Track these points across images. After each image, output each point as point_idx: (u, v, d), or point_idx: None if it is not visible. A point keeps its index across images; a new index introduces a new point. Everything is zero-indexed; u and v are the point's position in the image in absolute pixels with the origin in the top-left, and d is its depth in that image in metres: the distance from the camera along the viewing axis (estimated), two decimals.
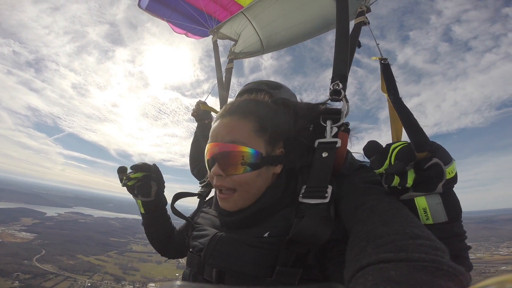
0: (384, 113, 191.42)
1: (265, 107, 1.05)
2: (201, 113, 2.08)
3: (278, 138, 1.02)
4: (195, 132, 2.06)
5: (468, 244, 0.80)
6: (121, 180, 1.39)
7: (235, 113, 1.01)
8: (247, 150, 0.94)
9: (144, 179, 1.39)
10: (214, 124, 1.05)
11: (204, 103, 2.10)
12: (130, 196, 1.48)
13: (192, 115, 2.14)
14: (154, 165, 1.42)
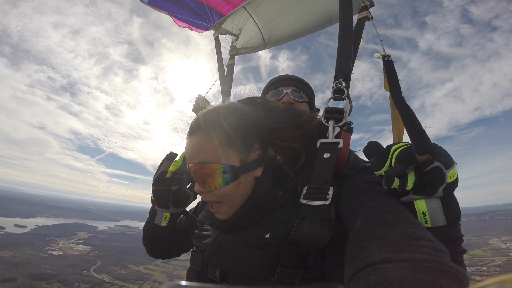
0: (417, 102, 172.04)
1: (231, 113, 1.00)
2: (201, 108, 1.97)
3: (252, 141, 0.98)
4: None
5: (464, 247, 0.80)
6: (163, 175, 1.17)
7: (199, 130, 0.96)
8: (218, 167, 0.91)
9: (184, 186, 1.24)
10: (186, 142, 1.01)
11: (204, 99, 2.02)
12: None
13: (193, 110, 2.05)
14: None
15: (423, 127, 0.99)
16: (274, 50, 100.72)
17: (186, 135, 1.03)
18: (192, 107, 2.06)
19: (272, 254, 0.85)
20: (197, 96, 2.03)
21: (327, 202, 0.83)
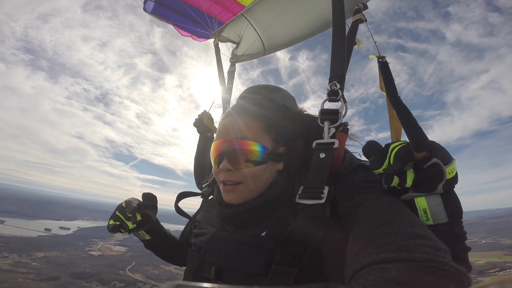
0: (452, 96, 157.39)
1: (269, 109, 1.11)
2: (204, 125, 2.00)
3: (281, 138, 1.07)
4: (199, 145, 1.99)
5: (468, 245, 0.79)
6: (116, 229, 1.25)
7: (244, 112, 1.07)
8: (256, 145, 0.98)
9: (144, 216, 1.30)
10: (222, 122, 1.10)
11: (209, 117, 2.02)
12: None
13: (194, 125, 2.04)
14: (150, 195, 1.33)
15: (420, 125, 0.99)
16: (293, 51, 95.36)
17: (223, 115, 1.11)
18: (193, 121, 2.06)
19: (267, 252, 0.86)
20: (203, 111, 2.04)
21: (322, 201, 0.84)
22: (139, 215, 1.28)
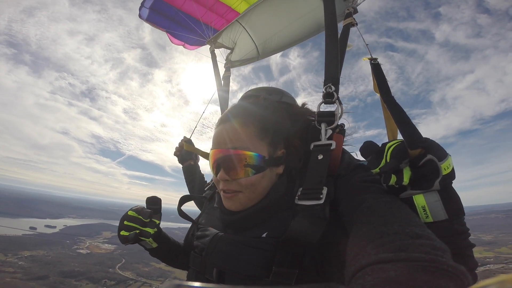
0: (437, 95, 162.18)
1: (265, 110, 1.08)
2: (184, 153, 2.02)
3: (279, 139, 1.04)
4: (186, 178, 1.98)
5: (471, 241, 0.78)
6: (127, 240, 1.18)
7: (237, 118, 1.03)
8: (250, 154, 0.95)
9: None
10: (216, 130, 1.07)
11: (189, 142, 2.03)
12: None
13: (175, 154, 2.06)
14: (154, 197, 1.35)
15: (414, 124, 1.03)
16: None
17: (217, 122, 1.10)
18: (174, 150, 2.07)
19: (268, 254, 0.86)
20: (182, 138, 2.08)
21: (321, 202, 0.84)
22: (156, 219, 1.29)
